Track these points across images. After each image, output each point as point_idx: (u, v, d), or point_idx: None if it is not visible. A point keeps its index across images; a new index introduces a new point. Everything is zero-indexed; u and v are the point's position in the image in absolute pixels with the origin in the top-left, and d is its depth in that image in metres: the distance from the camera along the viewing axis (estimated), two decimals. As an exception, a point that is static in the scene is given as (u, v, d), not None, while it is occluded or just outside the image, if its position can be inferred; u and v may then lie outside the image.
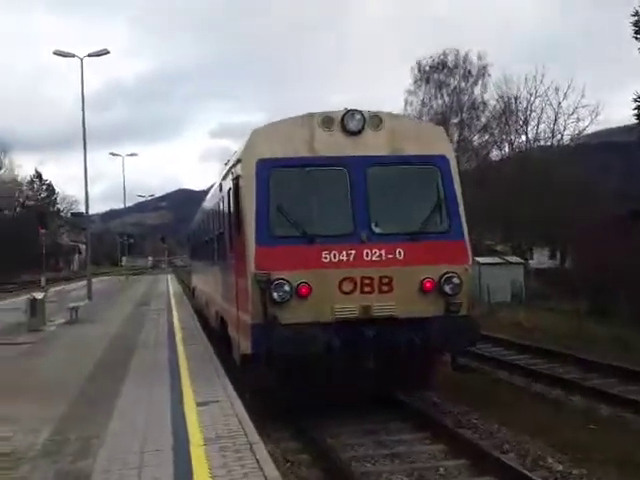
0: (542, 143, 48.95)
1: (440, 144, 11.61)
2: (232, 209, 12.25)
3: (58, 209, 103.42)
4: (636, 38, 26.45)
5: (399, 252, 10.65)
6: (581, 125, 46.50)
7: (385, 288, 10.56)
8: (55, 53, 33.07)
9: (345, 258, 10.50)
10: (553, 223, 37.28)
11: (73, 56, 33.22)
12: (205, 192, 24.77)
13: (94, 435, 7.97)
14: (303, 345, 9.79)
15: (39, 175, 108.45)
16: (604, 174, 42.64)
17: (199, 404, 9.36)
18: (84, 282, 39.43)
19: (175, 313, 26.43)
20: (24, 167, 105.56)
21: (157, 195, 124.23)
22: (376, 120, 11.15)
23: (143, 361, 14.03)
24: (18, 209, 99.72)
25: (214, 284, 17.67)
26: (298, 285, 10.25)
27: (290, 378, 10.71)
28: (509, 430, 10.69)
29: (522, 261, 38.49)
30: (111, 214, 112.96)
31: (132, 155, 71.98)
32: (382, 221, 10.86)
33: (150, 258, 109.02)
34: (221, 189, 14.76)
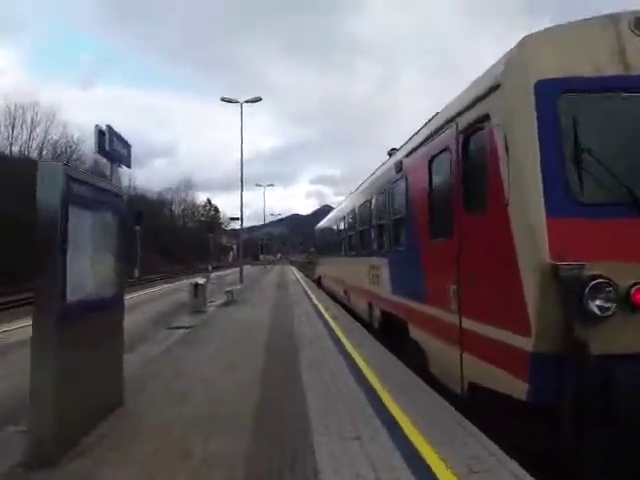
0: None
1: None
2: (461, 174, 5.18)
3: (220, 223, 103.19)
4: None
5: None
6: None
7: None
8: (222, 99, 27.38)
9: None
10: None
11: (236, 102, 27.45)
12: (326, 208, 18.44)
13: None
14: None
15: (209, 202, 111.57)
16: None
17: None
18: (236, 269, 33.74)
19: (313, 296, 19.24)
20: (201, 197, 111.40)
21: (281, 216, 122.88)
22: None
23: (320, 381, 6.27)
24: (197, 222, 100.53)
25: (367, 276, 10.82)
26: (631, 287, 3.29)
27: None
28: None
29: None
30: (252, 228, 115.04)
31: (270, 185, 66.25)
32: None
33: (279, 254, 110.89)
34: (400, 169, 7.92)
